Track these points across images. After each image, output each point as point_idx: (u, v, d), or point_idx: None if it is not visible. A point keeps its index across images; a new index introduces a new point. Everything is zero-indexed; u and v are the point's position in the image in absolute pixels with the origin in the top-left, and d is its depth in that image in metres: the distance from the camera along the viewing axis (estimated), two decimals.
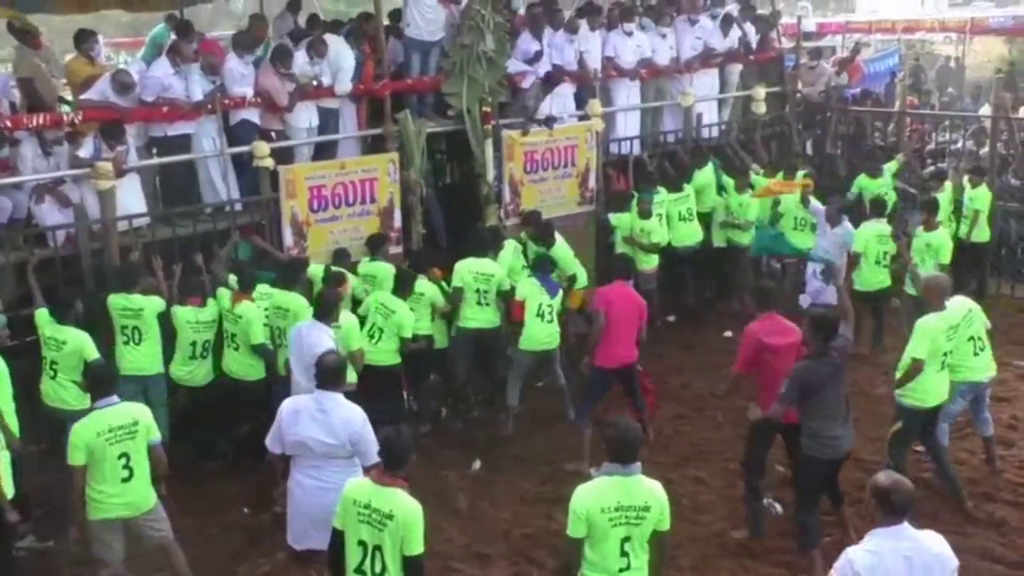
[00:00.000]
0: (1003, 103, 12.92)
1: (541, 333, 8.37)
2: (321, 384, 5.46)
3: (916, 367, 6.58)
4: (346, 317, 7.54)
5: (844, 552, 4.19)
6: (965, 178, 10.97)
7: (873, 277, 9.59)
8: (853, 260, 9.66)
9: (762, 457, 6.68)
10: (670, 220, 10.56)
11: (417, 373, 8.50)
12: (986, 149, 12.45)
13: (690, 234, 10.72)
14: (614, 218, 10.21)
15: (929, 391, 6.73)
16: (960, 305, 7.00)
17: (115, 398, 5.69)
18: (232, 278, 7.87)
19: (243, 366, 7.71)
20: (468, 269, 8.47)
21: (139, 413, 5.73)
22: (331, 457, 5.36)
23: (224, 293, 7.75)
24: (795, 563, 6.40)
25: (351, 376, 7.46)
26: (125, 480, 5.61)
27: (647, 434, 8.09)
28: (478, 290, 8.45)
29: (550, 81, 10.01)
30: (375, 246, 8.70)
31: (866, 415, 8.43)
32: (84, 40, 8.96)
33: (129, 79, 8.31)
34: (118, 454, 5.56)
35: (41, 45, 9.15)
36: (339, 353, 6.01)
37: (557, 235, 9.25)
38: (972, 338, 7.02)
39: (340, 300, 7.18)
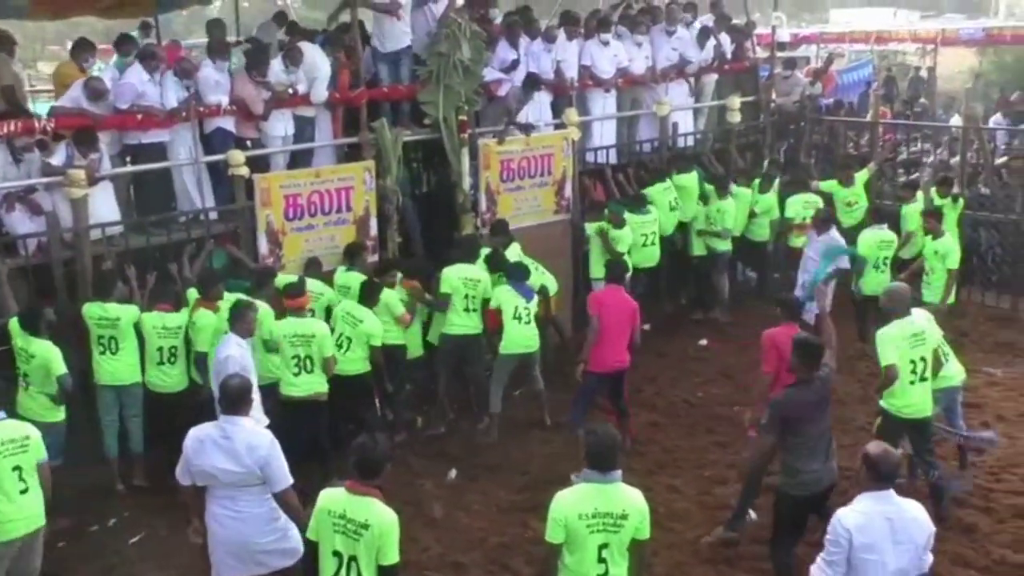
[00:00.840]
0: (973, 114, 13.11)
1: (520, 335, 8.49)
2: (225, 409, 5.23)
3: (889, 373, 6.58)
4: (319, 326, 7.54)
5: (835, 514, 4.58)
6: (932, 189, 11.11)
7: (873, 281, 9.79)
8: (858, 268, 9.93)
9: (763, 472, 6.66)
10: (660, 210, 10.75)
11: (392, 382, 8.45)
12: (957, 159, 12.63)
13: (672, 221, 11.00)
14: (589, 227, 10.25)
15: (907, 401, 6.70)
16: (921, 315, 7.02)
17: (2, 413, 5.63)
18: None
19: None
20: (458, 275, 8.50)
21: (29, 429, 5.68)
22: (242, 486, 5.13)
23: (192, 298, 7.72)
24: (770, 569, 6.42)
25: (322, 386, 7.48)
26: (23, 492, 5.55)
27: (624, 442, 8.15)
28: (467, 296, 8.49)
29: (531, 84, 10.03)
30: (352, 256, 8.69)
31: (840, 421, 8.51)
32: (82, 50, 8.91)
33: (102, 86, 8.26)
34: (11, 467, 5.51)
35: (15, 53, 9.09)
36: (242, 376, 5.74)
37: (515, 246, 9.32)
38: (935, 349, 7.02)
39: (253, 310, 6.97)
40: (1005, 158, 13.03)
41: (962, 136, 12.66)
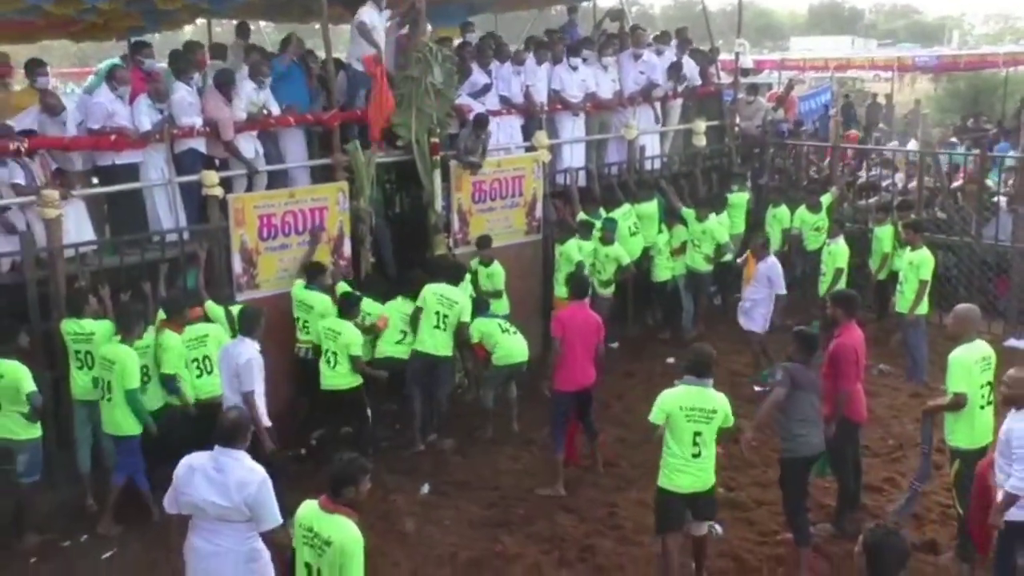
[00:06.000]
0: (930, 139, 13.47)
1: (514, 346, 8.85)
2: (220, 441, 4.98)
3: (958, 401, 6.39)
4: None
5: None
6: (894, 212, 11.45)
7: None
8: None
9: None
10: (620, 238, 10.94)
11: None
12: (915, 183, 12.97)
13: (636, 246, 11.23)
14: (560, 248, 10.41)
15: (973, 430, 6.48)
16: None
17: None
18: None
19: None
20: (433, 292, 8.68)
21: None
22: (227, 520, 4.90)
23: (160, 319, 7.77)
24: None
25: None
26: None
27: (597, 462, 8.31)
28: (438, 313, 8.63)
29: (479, 123, 10.07)
30: (312, 274, 8.75)
31: None
32: (34, 67, 8.84)
33: (56, 100, 8.32)
34: None
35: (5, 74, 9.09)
36: (240, 408, 5.69)
37: (496, 265, 9.78)
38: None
39: (263, 316, 7.28)
40: (960, 182, 13.40)
41: (920, 161, 13.01)
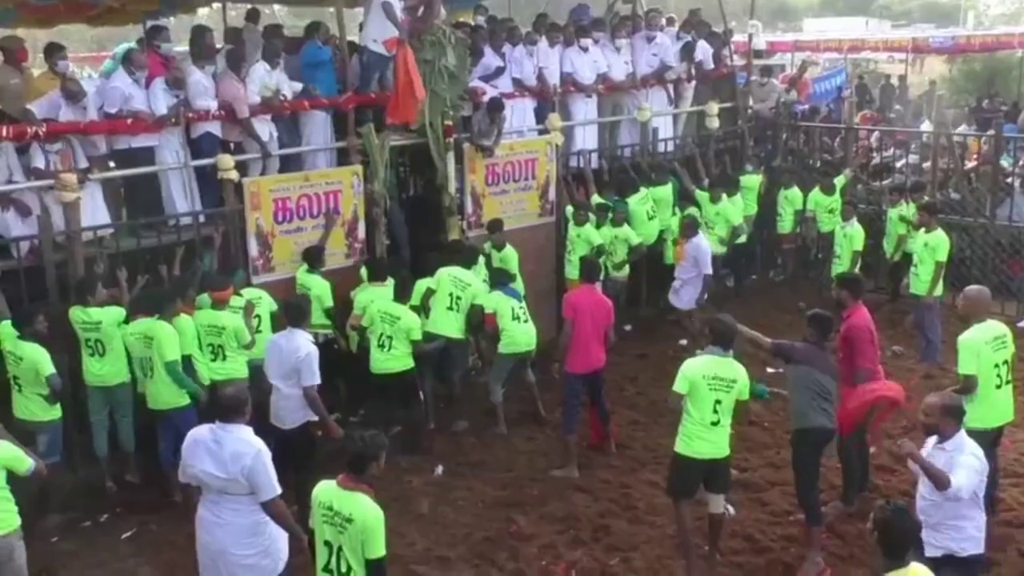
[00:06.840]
0: (944, 120, 13.42)
1: (521, 335, 8.76)
2: (219, 416, 5.20)
3: (968, 384, 6.38)
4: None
5: None
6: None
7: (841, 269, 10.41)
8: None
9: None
10: (638, 221, 10.97)
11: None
12: (929, 163, 12.94)
13: (652, 230, 11.23)
14: (578, 230, 10.41)
15: (990, 410, 6.45)
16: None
17: None
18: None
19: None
20: (449, 273, 8.75)
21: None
22: (227, 492, 5.09)
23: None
24: (748, 563, 6.66)
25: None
26: None
27: (609, 444, 8.35)
28: (451, 294, 8.67)
29: (494, 107, 10.07)
30: (312, 259, 8.77)
31: None
32: (54, 52, 8.90)
33: (77, 87, 8.35)
34: None
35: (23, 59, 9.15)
36: (239, 385, 5.81)
37: (510, 249, 9.72)
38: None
39: (309, 304, 7.27)
40: (975, 163, 13.34)
41: (933, 142, 12.96)
